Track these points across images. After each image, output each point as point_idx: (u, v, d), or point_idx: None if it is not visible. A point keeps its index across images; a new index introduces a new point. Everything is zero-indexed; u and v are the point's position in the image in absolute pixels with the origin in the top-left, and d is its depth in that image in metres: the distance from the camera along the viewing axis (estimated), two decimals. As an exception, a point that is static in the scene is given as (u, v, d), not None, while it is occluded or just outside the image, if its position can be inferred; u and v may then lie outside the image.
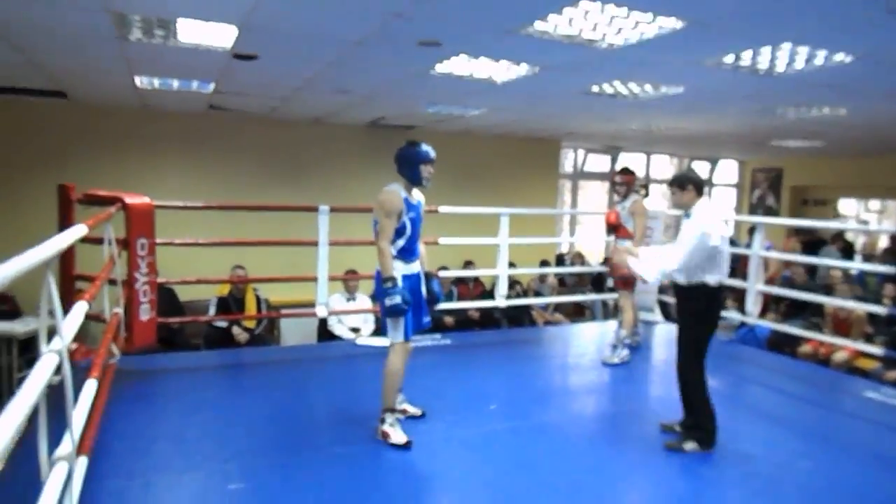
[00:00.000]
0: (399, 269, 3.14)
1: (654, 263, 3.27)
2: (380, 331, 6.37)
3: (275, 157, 8.00)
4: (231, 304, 5.92)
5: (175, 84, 5.51)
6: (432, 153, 3.15)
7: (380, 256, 3.08)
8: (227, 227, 6.21)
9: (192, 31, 3.80)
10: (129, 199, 3.95)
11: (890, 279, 6.20)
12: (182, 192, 6.81)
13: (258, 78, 5.11)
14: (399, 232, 3.14)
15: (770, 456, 3.23)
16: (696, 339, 3.24)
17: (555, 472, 2.93)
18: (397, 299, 3.01)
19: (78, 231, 2.42)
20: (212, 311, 5.85)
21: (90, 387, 2.46)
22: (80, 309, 2.30)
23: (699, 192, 3.30)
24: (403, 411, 3.42)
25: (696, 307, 3.23)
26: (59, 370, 1.80)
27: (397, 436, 3.11)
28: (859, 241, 9.89)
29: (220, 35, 3.86)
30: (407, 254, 3.19)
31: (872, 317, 5.98)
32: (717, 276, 3.17)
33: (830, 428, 3.83)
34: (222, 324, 5.78)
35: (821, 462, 3.16)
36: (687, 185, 3.28)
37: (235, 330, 5.80)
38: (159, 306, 4.21)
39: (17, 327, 5.83)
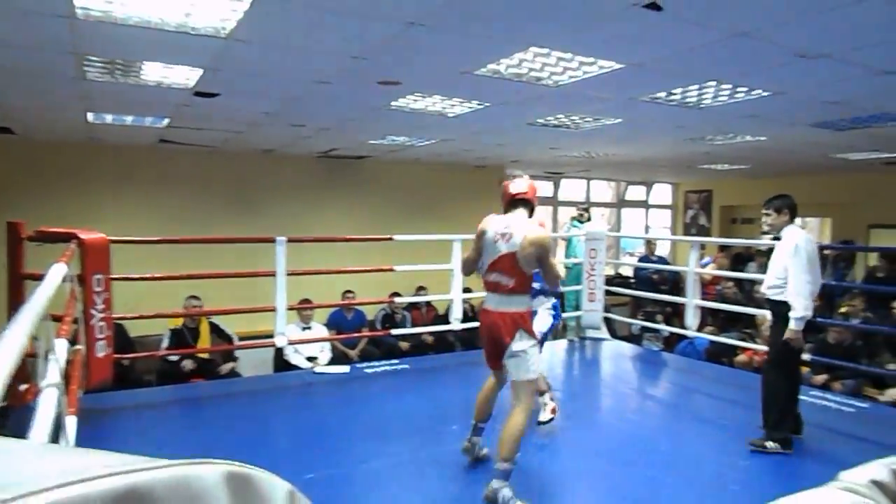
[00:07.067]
0: None
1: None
2: (336, 359, 6.45)
3: (227, 188, 8.01)
4: (186, 336, 5.87)
5: (129, 119, 5.51)
6: None
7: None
8: (179, 261, 6.17)
9: (156, 72, 3.88)
10: (84, 235, 3.95)
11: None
12: (133, 226, 6.72)
13: (215, 113, 5.19)
14: None
15: (715, 457, 3.53)
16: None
17: (520, 484, 3.11)
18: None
19: (59, 271, 2.47)
20: (165, 343, 5.76)
21: (71, 423, 2.49)
22: (63, 346, 2.35)
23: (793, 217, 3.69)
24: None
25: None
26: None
27: None
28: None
29: (183, 75, 3.94)
30: None
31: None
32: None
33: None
34: (175, 358, 5.71)
35: (760, 460, 3.46)
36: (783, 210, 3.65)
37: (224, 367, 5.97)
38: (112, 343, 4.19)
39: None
